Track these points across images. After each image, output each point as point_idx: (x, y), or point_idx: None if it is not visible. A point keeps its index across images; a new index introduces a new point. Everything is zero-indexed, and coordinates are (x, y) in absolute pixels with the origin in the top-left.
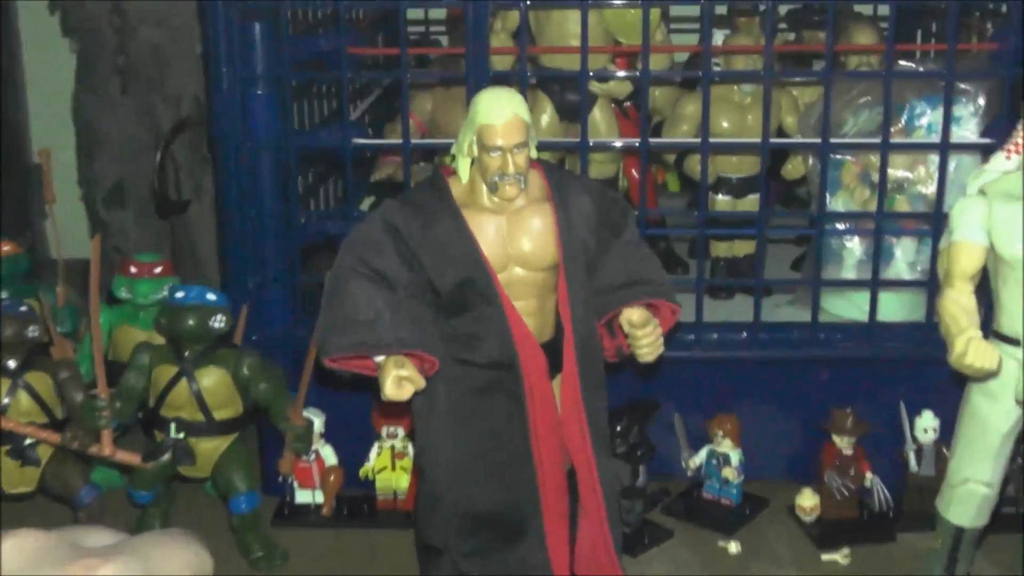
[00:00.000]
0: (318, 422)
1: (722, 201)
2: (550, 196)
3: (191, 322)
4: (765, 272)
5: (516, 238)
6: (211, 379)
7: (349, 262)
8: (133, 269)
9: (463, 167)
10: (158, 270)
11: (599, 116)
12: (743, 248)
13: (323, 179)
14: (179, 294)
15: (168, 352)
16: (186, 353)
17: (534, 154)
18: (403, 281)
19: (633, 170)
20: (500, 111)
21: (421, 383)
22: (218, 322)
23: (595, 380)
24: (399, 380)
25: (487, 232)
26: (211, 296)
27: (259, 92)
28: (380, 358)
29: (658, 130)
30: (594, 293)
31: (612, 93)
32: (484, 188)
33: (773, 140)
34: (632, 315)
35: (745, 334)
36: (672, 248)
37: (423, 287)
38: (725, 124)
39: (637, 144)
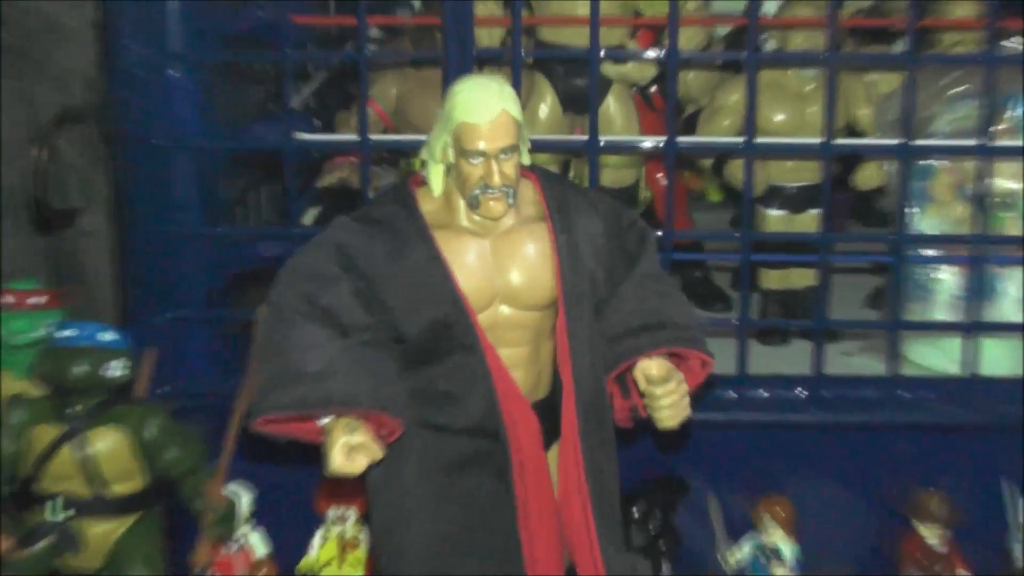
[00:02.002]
0: (245, 501)
1: (774, 217)
2: (547, 214)
3: (80, 369)
4: (830, 311)
5: (503, 268)
6: (106, 443)
7: (289, 299)
8: (8, 299)
9: (435, 176)
10: (38, 301)
11: (614, 107)
12: (801, 279)
13: (257, 186)
14: (65, 333)
15: (49, 407)
16: (74, 409)
17: (527, 160)
18: (358, 323)
19: (659, 176)
20: (484, 106)
21: (379, 453)
22: (115, 369)
23: (603, 451)
24: (350, 449)
25: (466, 260)
26: (106, 336)
27: (174, 75)
28: (327, 420)
29: (692, 125)
30: (603, 339)
31: (630, 78)
32: (462, 204)
33: (840, 140)
34: (650, 368)
35: (802, 391)
36: (710, 278)
37: (384, 331)
38: (779, 118)
39: (663, 144)
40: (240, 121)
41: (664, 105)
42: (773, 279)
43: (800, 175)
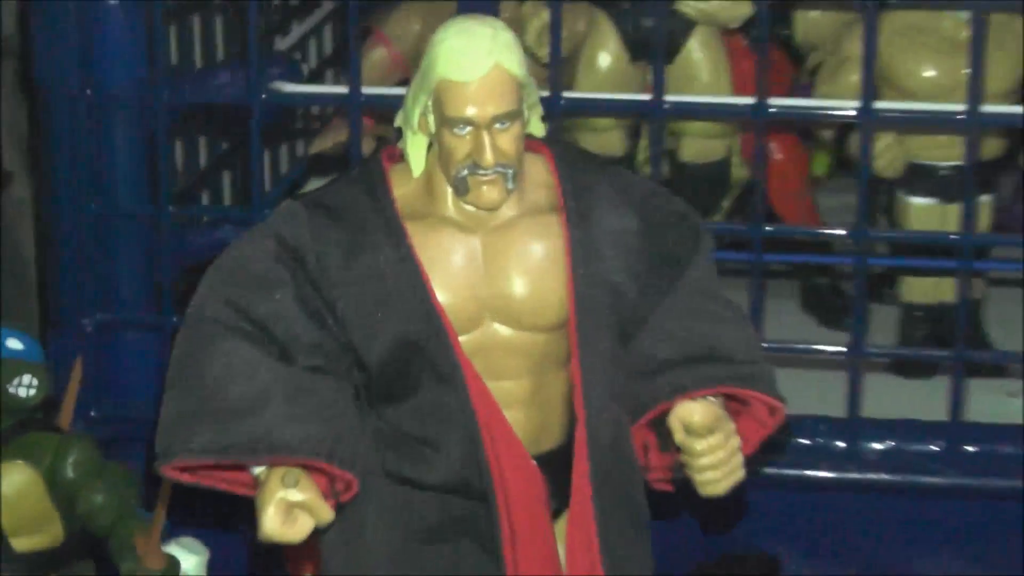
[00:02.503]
0: (191, 563)
1: (919, 207)
2: (561, 204)
3: None
4: (983, 335)
5: (497, 275)
6: (9, 482)
7: (212, 307)
8: None
9: (414, 151)
10: None
11: (699, 56)
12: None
13: (231, 155)
14: None
15: None
16: None
17: (539, 130)
18: (304, 342)
19: (772, 144)
20: (470, 59)
21: (327, 515)
22: (24, 387)
23: (628, 527)
24: (289, 508)
25: (447, 263)
26: (13, 343)
27: (111, 3)
28: (260, 469)
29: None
30: (632, 374)
31: (717, 18)
32: (448, 188)
33: (992, 108)
34: (691, 413)
35: (937, 443)
36: (838, 286)
37: (339, 354)
38: (928, 74)
39: (752, 107)
40: (201, 68)
41: (778, 53)
42: (918, 289)
43: (952, 152)
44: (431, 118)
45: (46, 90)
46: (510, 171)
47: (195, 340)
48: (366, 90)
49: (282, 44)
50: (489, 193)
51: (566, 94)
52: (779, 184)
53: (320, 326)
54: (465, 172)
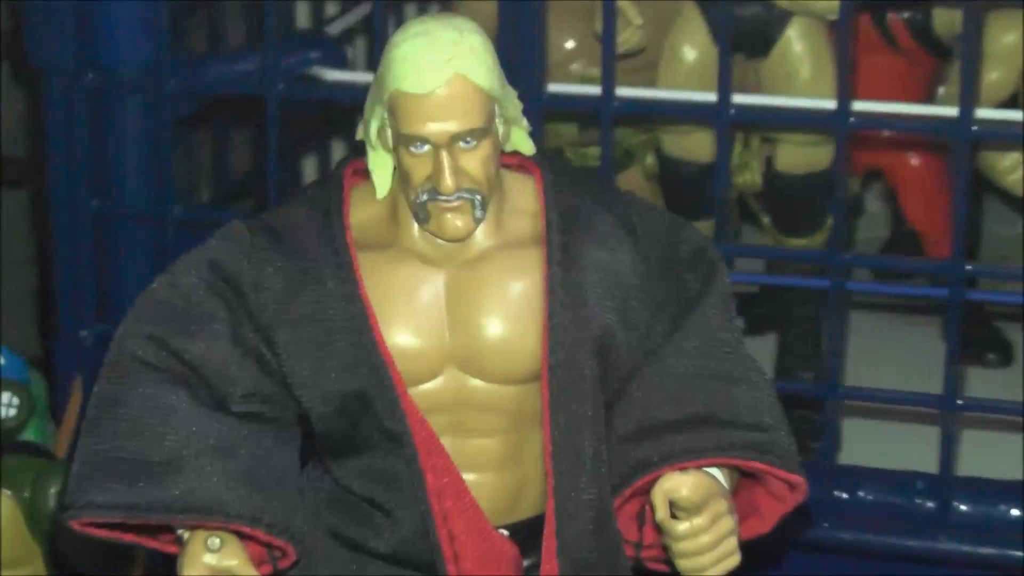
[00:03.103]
0: None
1: None
2: (544, 235)
3: None
4: None
5: (463, 316)
6: None
7: (134, 343)
8: None
9: (378, 169)
10: None
11: (799, 49)
12: None
13: (303, 145)
14: None
15: None
16: None
17: (527, 147)
18: (240, 387)
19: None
20: (425, 67)
21: None
22: (4, 406)
23: None
24: (213, 573)
25: (405, 302)
26: None
27: None
28: (184, 532)
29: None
30: (621, 435)
31: (811, 9)
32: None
33: None
34: (678, 487)
35: None
36: (985, 316)
37: (283, 399)
38: None
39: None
40: (221, 52)
41: (913, 44)
42: None
43: None
44: (389, 133)
45: (41, 73)
46: (477, 197)
47: (113, 381)
48: None
49: (335, 29)
50: (452, 222)
51: (630, 92)
52: (916, 194)
53: (260, 368)
54: (425, 197)
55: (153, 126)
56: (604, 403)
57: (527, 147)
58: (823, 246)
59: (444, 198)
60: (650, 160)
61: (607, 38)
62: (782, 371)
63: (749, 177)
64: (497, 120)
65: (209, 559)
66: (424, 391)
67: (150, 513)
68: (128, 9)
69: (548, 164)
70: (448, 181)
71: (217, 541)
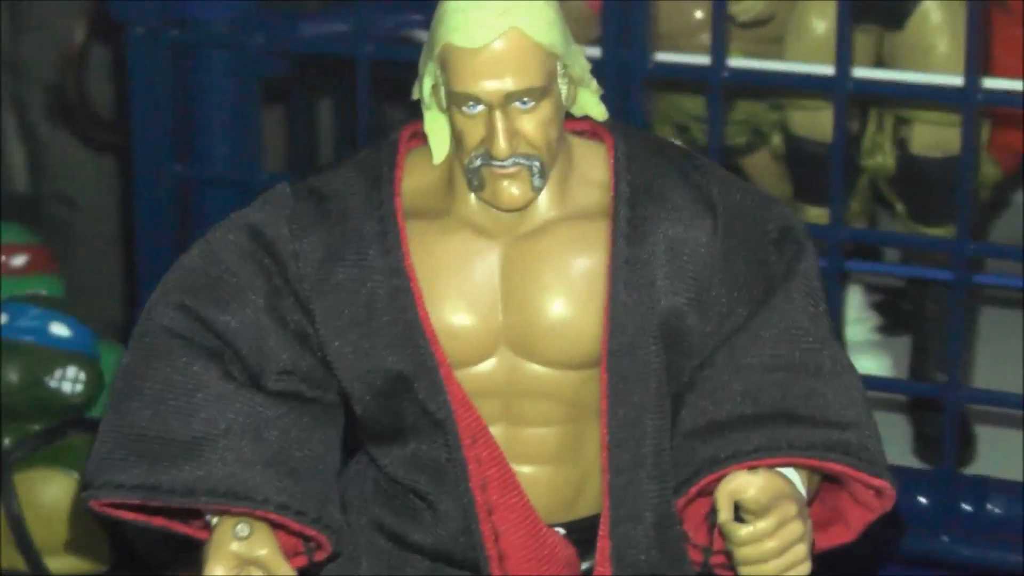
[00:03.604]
0: None
1: None
2: (612, 208)
3: (12, 377)
4: None
5: (520, 294)
6: (47, 493)
7: (162, 314)
8: None
9: (434, 132)
10: (19, 261)
11: (936, 19)
12: None
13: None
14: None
15: None
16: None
17: (599, 112)
18: (277, 363)
19: None
20: (479, 19)
21: (284, 573)
22: (69, 380)
23: None
24: (240, 562)
25: (456, 276)
26: (59, 329)
27: None
28: (213, 518)
29: None
30: (690, 430)
31: None
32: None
33: None
34: (745, 487)
35: None
36: None
37: (325, 377)
38: None
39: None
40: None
41: None
42: None
43: None
44: (442, 92)
45: (122, 27)
46: (535, 163)
47: (139, 354)
48: None
49: None
50: (508, 190)
51: (743, 63)
52: None
53: (299, 343)
54: (479, 162)
55: (240, 86)
56: (672, 394)
57: (598, 111)
58: None
59: (499, 163)
60: (777, 140)
61: (717, 2)
62: (915, 372)
63: (881, 160)
64: (560, 80)
65: (236, 547)
66: (474, 374)
67: (171, 496)
68: None
69: (623, 131)
70: (502, 144)
71: (246, 528)
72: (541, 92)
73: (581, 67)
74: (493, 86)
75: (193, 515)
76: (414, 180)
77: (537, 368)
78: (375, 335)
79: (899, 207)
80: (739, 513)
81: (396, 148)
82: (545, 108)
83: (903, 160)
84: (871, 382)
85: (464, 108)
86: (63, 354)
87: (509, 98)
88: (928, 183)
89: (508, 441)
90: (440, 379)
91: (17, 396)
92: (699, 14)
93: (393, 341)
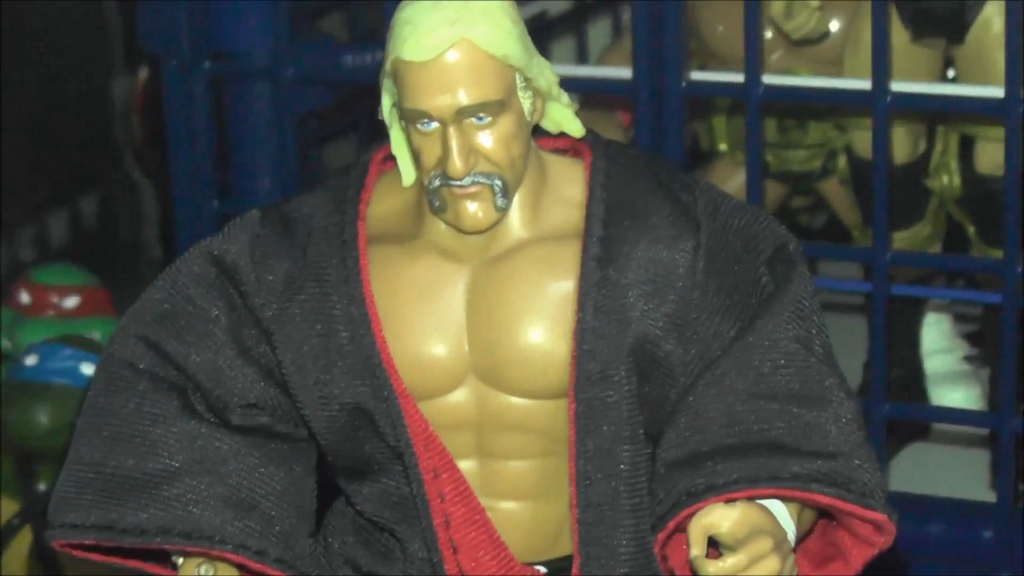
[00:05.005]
0: None
1: None
2: (585, 227)
3: (43, 419)
4: None
5: (487, 318)
6: None
7: (125, 347)
8: (23, 297)
9: (401, 153)
10: (71, 303)
11: (998, 30)
12: None
13: None
14: (28, 360)
15: (7, 476)
16: (37, 481)
17: (574, 128)
18: (240, 397)
19: None
20: (426, 31)
21: None
22: None
23: None
24: None
25: (421, 302)
26: (90, 369)
27: None
28: (178, 558)
29: None
30: (668, 461)
31: None
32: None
33: None
34: (720, 520)
35: None
36: None
37: (288, 412)
38: None
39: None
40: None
41: None
42: None
43: None
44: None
45: (162, 64)
46: (497, 182)
47: (99, 387)
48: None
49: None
50: (469, 211)
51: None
52: None
53: (263, 375)
54: (437, 182)
55: (279, 118)
56: (656, 423)
57: (573, 127)
58: None
59: (456, 183)
60: (842, 163)
61: (750, 16)
62: (993, 403)
63: (947, 180)
64: (520, 93)
65: None
66: (442, 405)
67: (125, 535)
68: None
69: (604, 148)
70: (457, 163)
71: (210, 568)
72: (498, 106)
73: (547, 79)
74: (444, 101)
75: (162, 554)
76: (385, 204)
77: (508, 398)
78: (334, 366)
79: (970, 229)
80: (720, 549)
81: (365, 170)
82: (505, 123)
83: (970, 180)
84: (927, 413)
85: (418, 125)
86: None
87: (462, 113)
88: (995, 203)
89: (483, 476)
90: (399, 411)
91: (48, 439)
92: (768, 34)
93: (352, 372)
